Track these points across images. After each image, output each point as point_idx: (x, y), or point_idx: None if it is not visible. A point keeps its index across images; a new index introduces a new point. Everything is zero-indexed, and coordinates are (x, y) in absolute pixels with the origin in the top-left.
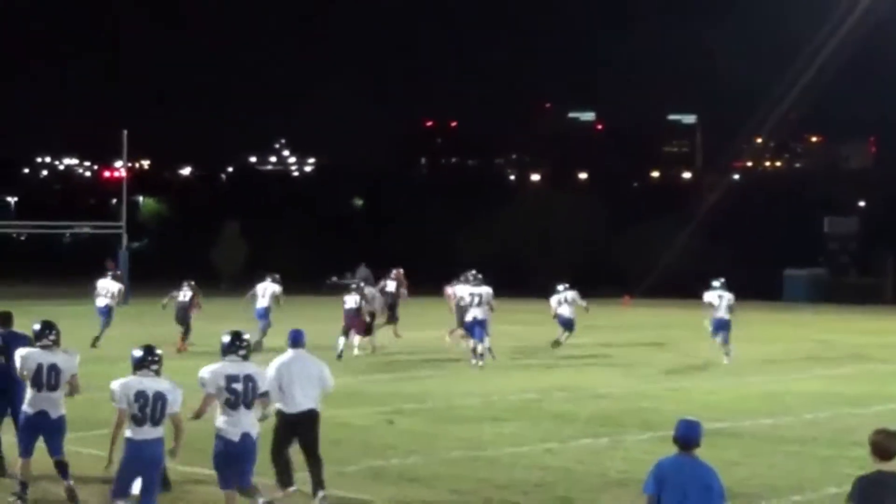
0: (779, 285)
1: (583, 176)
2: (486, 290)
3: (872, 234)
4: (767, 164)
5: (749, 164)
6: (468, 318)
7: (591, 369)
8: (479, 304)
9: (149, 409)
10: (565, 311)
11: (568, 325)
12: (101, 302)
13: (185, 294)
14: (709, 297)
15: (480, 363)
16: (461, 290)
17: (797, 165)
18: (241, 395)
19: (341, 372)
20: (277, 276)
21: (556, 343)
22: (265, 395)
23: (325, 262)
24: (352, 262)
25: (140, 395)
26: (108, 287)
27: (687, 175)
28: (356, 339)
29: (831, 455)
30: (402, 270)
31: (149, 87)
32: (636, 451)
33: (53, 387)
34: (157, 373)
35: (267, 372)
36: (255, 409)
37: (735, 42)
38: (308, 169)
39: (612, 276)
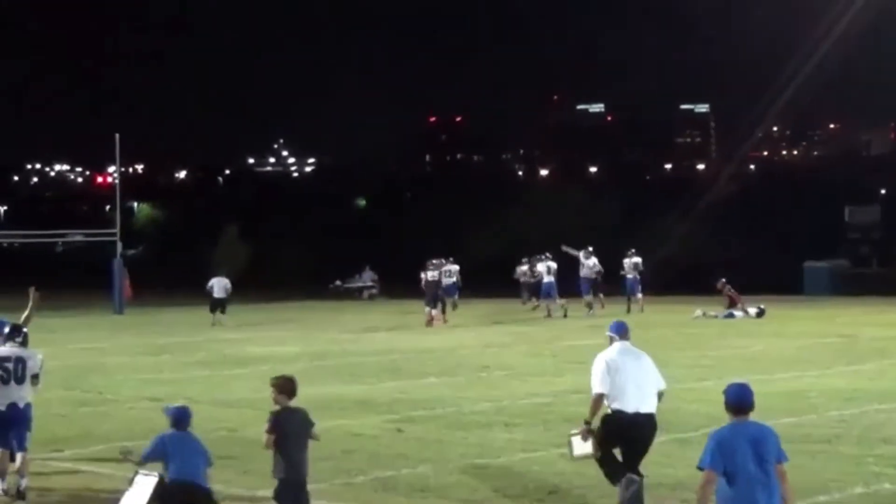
0: (799, 278)
1: (593, 169)
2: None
3: (895, 222)
4: (784, 153)
5: (765, 153)
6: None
7: None
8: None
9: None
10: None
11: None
12: None
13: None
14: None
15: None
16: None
17: (815, 154)
18: (11, 372)
19: (349, 380)
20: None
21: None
22: (36, 376)
23: (329, 264)
24: (356, 265)
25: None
26: None
27: (701, 166)
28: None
29: (858, 454)
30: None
31: (141, 90)
32: (654, 453)
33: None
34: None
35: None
36: (27, 386)
37: (747, 26)
38: (308, 169)
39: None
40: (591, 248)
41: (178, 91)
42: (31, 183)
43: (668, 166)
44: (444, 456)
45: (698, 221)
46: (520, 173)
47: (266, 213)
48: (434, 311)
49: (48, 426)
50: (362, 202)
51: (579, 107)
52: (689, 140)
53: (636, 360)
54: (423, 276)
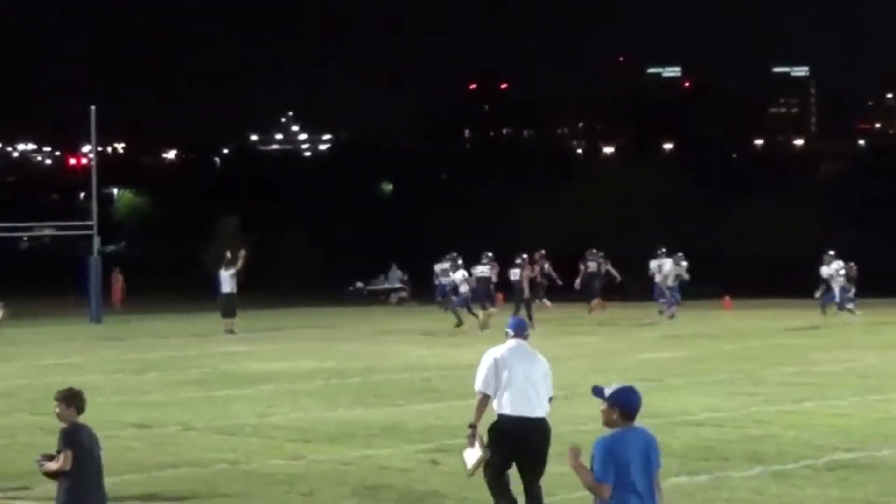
0: None
1: (668, 146)
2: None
3: None
4: None
5: (878, 125)
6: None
7: (686, 389)
8: None
9: None
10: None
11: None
12: None
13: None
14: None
15: None
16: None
17: None
18: None
19: (374, 402)
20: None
21: None
22: None
23: (348, 262)
24: (381, 263)
25: None
26: None
27: (799, 141)
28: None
29: None
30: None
31: (122, 55)
32: (744, 490)
33: None
34: None
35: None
36: None
37: None
38: (322, 147)
39: (709, 271)
40: (664, 249)
41: (164, 55)
42: None
43: (759, 142)
44: (488, 493)
45: (796, 208)
46: (579, 151)
47: (272, 201)
48: (490, 311)
49: (12, 458)
50: (388, 187)
51: (650, 70)
52: (784, 110)
53: (528, 361)
54: (472, 272)
